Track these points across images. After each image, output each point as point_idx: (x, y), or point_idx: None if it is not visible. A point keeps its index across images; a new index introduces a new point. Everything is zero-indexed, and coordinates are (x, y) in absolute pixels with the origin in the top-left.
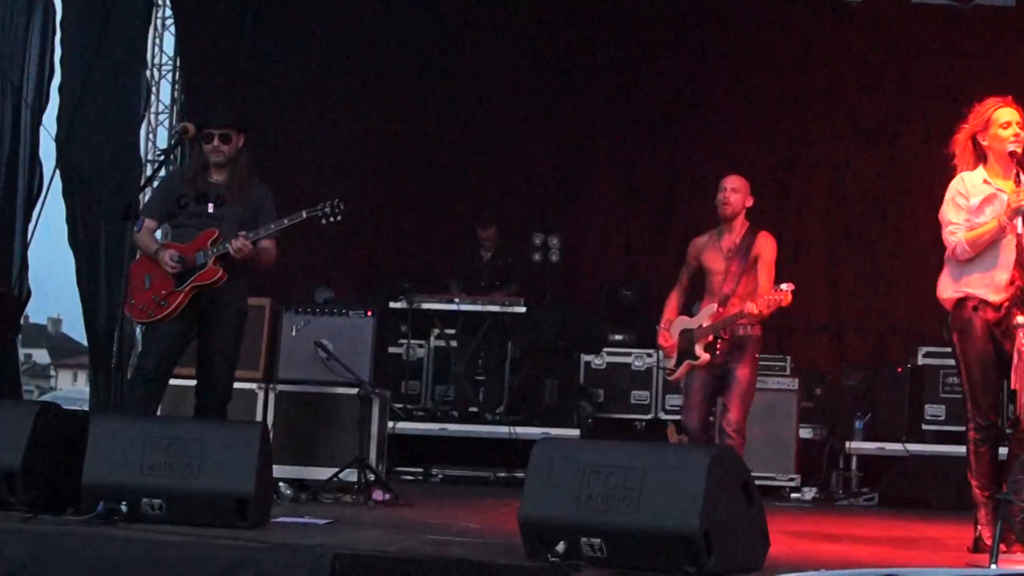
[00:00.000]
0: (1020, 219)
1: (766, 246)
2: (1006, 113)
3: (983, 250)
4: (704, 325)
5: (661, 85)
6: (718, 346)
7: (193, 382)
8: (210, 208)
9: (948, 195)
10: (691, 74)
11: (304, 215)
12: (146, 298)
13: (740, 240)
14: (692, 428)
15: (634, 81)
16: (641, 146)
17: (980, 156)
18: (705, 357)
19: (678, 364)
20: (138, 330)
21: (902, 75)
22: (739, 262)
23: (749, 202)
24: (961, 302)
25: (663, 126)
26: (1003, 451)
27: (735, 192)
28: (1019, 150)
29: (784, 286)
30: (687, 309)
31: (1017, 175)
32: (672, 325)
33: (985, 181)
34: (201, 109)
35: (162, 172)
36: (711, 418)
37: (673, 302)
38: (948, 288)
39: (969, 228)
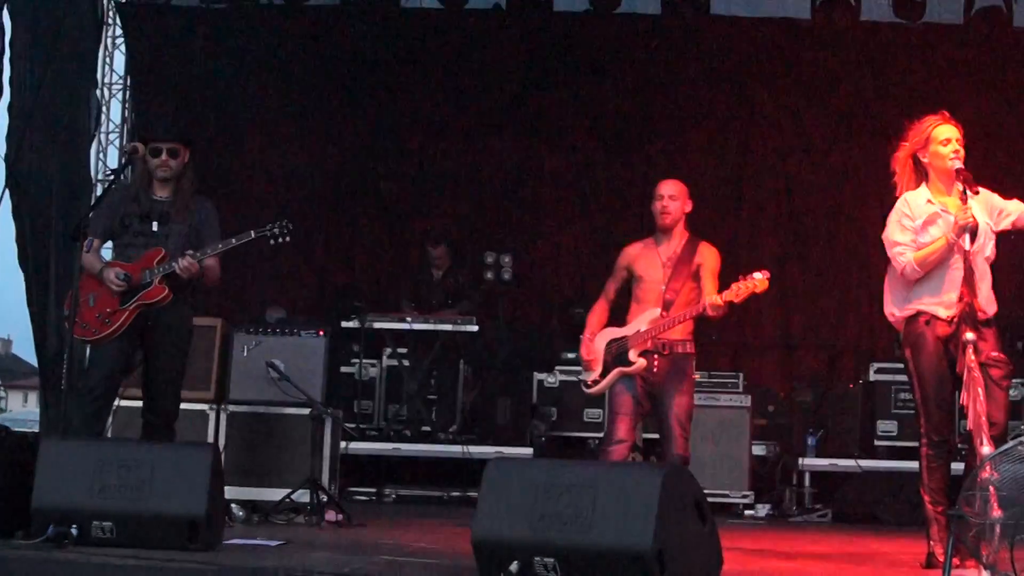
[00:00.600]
0: (967, 236)
1: (709, 255)
2: (945, 130)
3: (932, 269)
4: (643, 330)
5: (610, 103)
6: (655, 362)
7: (141, 403)
8: (154, 226)
9: (893, 216)
10: (640, 91)
11: (252, 235)
12: (90, 316)
13: (681, 249)
14: (621, 440)
15: (584, 99)
16: (592, 164)
17: (922, 174)
18: (641, 363)
19: (604, 374)
20: (87, 351)
21: (852, 92)
22: (681, 270)
23: (688, 207)
24: (913, 318)
25: (613, 144)
26: (957, 466)
27: (673, 200)
28: (962, 166)
29: (758, 274)
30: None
31: (963, 192)
32: (597, 337)
33: (929, 200)
34: (148, 124)
35: (106, 193)
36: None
37: (599, 314)
38: (898, 305)
39: (916, 248)
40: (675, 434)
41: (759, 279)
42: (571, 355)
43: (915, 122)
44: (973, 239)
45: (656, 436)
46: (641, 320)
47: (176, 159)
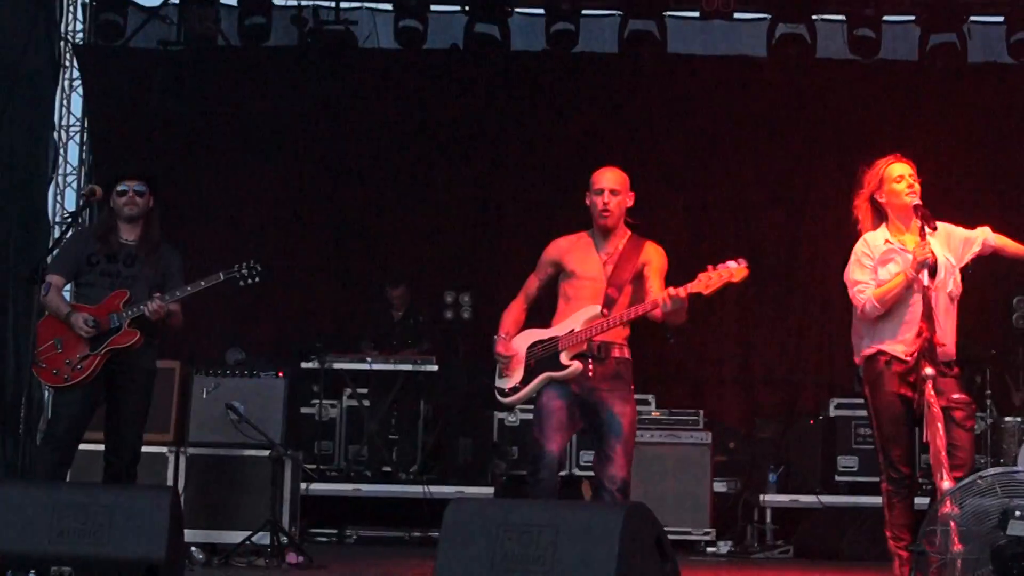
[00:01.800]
0: (926, 272)
1: (655, 254)
2: (898, 168)
3: (892, 306)
4: (578, 330)
5: (568, 140)
6: (591, 366)
7: (102, 446)
8: (121, 267)
9: (852, 256)
10: (598, 128)
11: (221, 277)
12: (59, 362)
13: (624, 246)
14: (552, 457)
15: (542, 137)
16: (550, 202)
17: (880, 215)
18: (575, 366)
19: (526, 381)
20: (47, 394)
21: (809, 129)
22: (625, 266)
23: (630, 201)
24: (873, 357)
25: (571, 181)
26: (922, 501)
27: (615, 195)
28: (920, 203)
29: (732, 262)
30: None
31: (921, 228)
32: (516, 338)
33: (887, 240)
34: (115, 164)
35: (69, 234)
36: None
37: (515, 312)
38: (860, 344)
39: (877, 285)
40: (616, 451)
41: (735, 267)
42: None
43: (868, 166)
44: (933, 275)
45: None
46: (575, 319)
47: (142, 198)
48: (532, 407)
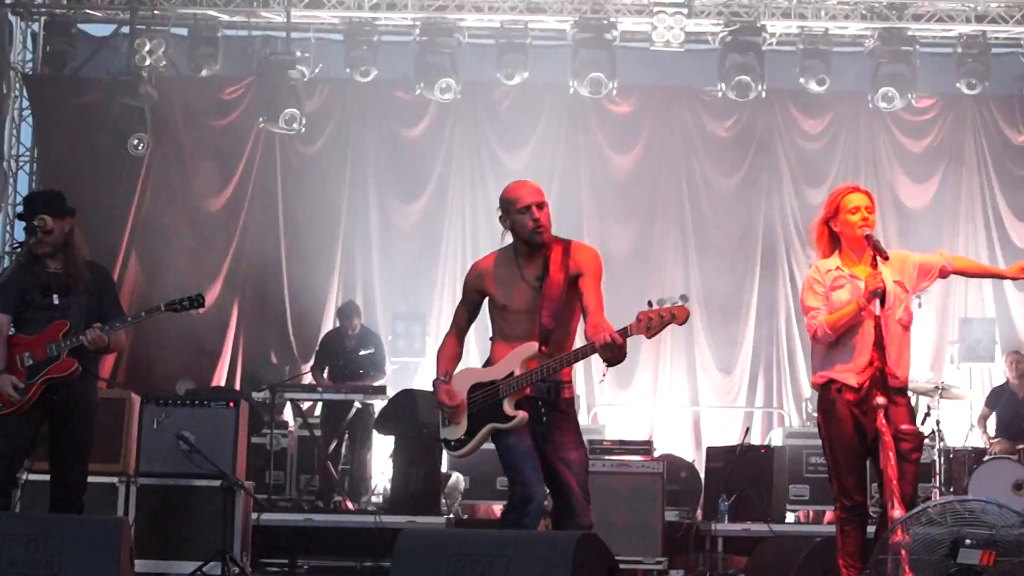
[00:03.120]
0: (877, 301)
1: (586, 258)
2: (855, 198)
3: (844, 334)
4: (518, 373)
5: (517, 171)
6: (541, 410)
7: (48, 477)
8: (55, 299)
9: (804, 284)
10: (545, 157)
11: (162, 309)
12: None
13: (550, 260)
14: (542, 498)
15: (491, 167)
16: (497, 231)
17: (835, 243)
18: (521, 416)
19: (472, 432)
20: None
21: (762, 159)
22: (556, 287)
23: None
24: (826, 385)
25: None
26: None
27: (542, 208)
28: (871, 233)
29: (673, 301)
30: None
31: (873, 258)
32: (454, 380)
33: (838, 267)
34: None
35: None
36: None
37: (451, 348)
38: (814, 371)
39: (829, 311)
40: (579, 499)
41: (677, 308)
42: None
43: (832, 192)
44: (883, 303)
45: None
46: (512, 360)
47: (51, 234)
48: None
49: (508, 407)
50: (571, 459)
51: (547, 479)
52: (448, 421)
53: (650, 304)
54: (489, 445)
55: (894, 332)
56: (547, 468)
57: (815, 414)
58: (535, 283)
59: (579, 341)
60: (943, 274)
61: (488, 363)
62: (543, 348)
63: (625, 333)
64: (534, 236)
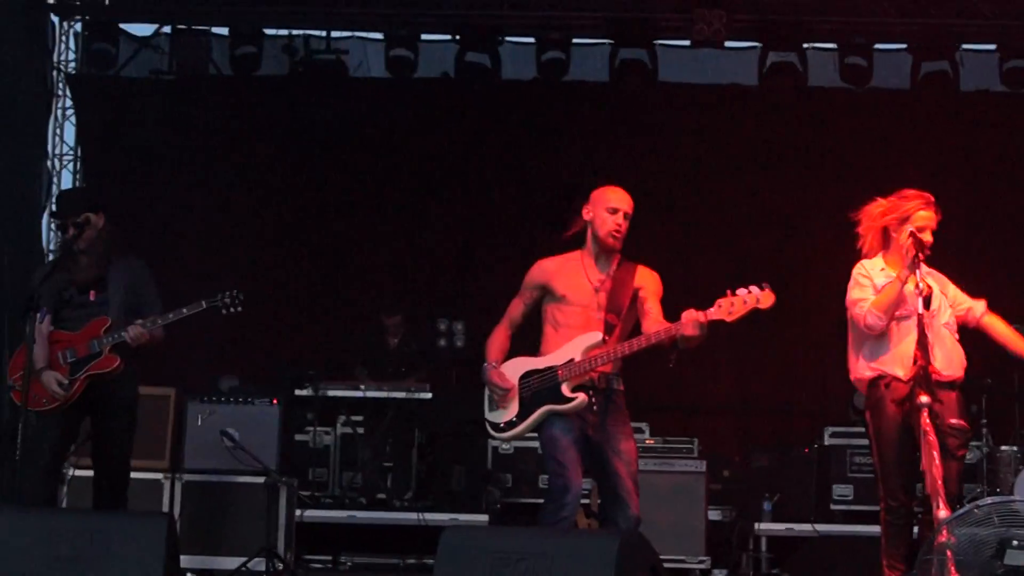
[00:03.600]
0: (921, 299)
1: (650, 279)
2: (926, 216)
3: (888, 332)
4: (578, 359)
5: (558, 168)
6: (593, 400)
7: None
8: (92, 296)
9: (852, 280)
10: (588, 157)
11: (204, 305)
12: (38, 386)
13: (615, 270)
14: (578, 492)
15: (532, 165)
16: (540, 230)
17: (884, 244)
18: (580, 399)
19: (523, 415)
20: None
21: (799, 157)
22: (621, 291)
23: None
24: (875, 381)
25: (563, 210)
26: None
27: (627, 219)
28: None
29: (756, 287)
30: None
31: (914, 256)
32: (504, 367)
33: (883, 269)
34: (107, 192)
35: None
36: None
37: (501, 340)
38: (863, 368)
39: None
40: (629, 491)
41: (760, 293)
42: None
43: (902, 192)
44: (928, 305)
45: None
46: (573, 347)
47: (85, 232)
48: (536, 439)
49: (567, 390)
50: (622, 449)
51: (597, 469)
52: (496, 405)
53: (730, 292)
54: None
55: (941, 335)
56: (597, 458)
57: (854, 415)
58: (597, 284)
59: None
60: (965, 322)
61: (539, 353)
62: (606, 338)
63: (706, 317)
64: (607, 236)
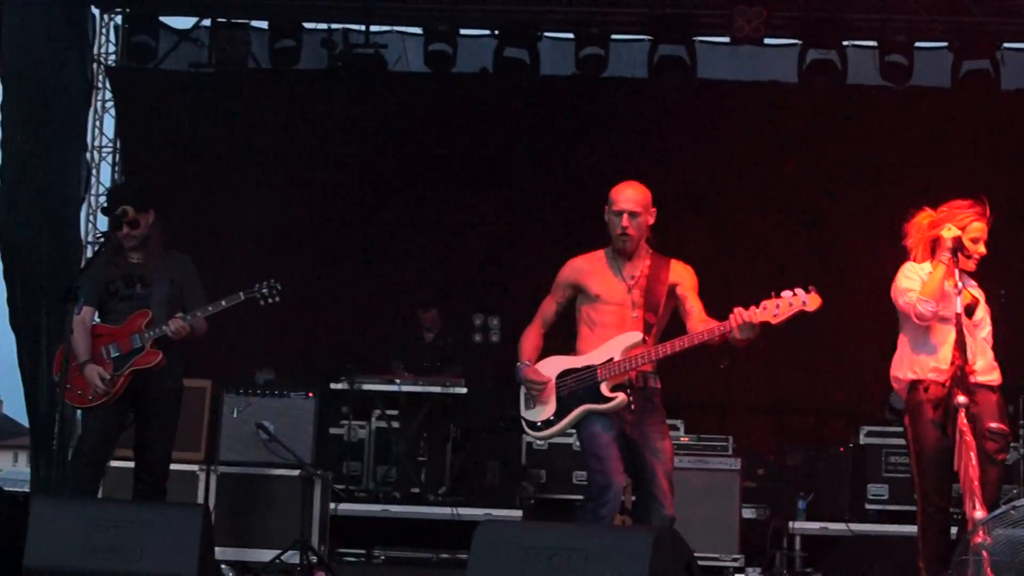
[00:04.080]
0: (959, 299)
1: (685, 274)
2: (979, 227)
3: (928, 333)
4: (618, 359)
5: (597, 165)
6: (631, 399)
7: (132, 463)
8: (138, 289)
9: (898, 276)
10: (627, 153)
11: (242, 296)
12: (81, 381)
13: (648, 267)
14: (619, 490)
15: (571, 162)
16: (578, 226)
17: (932, 252)
18: (621, 398)
19: (561, 414)
20: (78, 412)
21: (838, 156)
22: (656, 289)
23: (652, 219)
24: (914, 385)
25: (600, 206)
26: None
27: (635, 217)
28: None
29: (801, 290)
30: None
31: (953, 256)
32: (540, 365)
33: (930, 274)
34: (146, 184)
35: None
36: None
37: (534, 339)
38: (903, 370)
39: None
40: (664, 491)
41: (807, 296)
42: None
43: (953, 203)
44: (971, 314)
45: None
46: (612, 347)
47: (138, 227)
48: (570, 435)
49: (606, 389)
50: (658, 448)
51: (632, 468)
52: (532, 403)
53: (775, 294)
54: (559, 438)
55: (982, 345)
56: (633, 456)
57: (889, 415)
58: (630, 282)
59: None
60: None
61: (574, 352)
62: (646, 338)
63: (751, 318)
64: (618, 240)
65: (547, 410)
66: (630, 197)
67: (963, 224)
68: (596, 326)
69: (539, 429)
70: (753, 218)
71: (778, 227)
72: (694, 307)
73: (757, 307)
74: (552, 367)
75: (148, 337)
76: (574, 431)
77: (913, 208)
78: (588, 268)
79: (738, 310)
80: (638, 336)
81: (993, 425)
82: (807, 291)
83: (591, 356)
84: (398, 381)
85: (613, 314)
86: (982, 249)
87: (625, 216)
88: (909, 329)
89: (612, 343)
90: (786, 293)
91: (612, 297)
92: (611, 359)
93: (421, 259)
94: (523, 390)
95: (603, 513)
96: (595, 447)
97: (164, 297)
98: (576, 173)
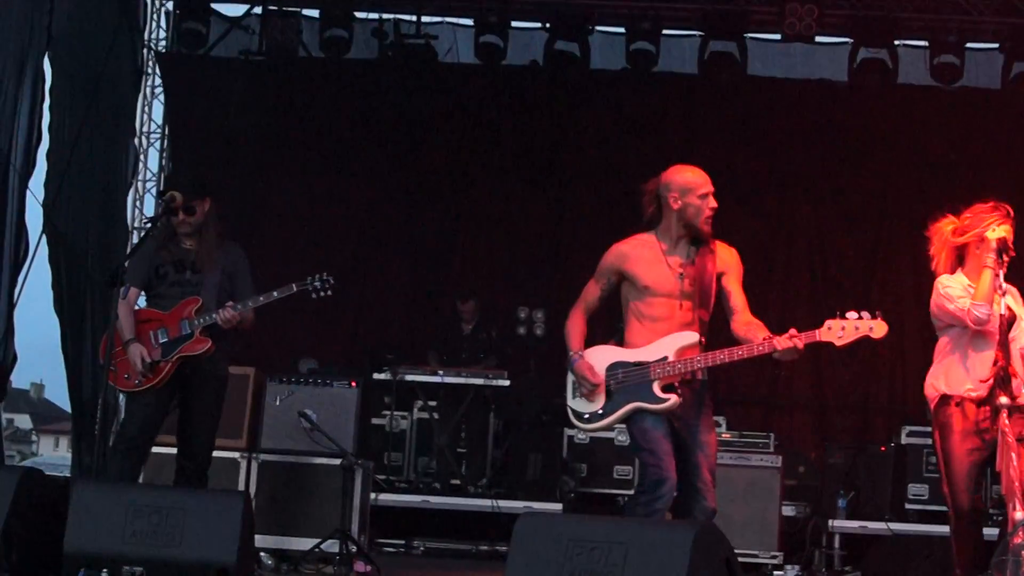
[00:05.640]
0: (1003, 301)
1: (731, 259)
2: (1004, 231)
3: (967, 349)
4: (672, 358)
5: (645, 161)
6: (680, 394)
7: (174, 450)
8: (188, 275)
9: (939, 289)
10: (676, 149)
11: (294, 288)
12: (126, 364)
13: (696, 253)
14: (674, 485)
15: (618, 157)
16: (625, 220)
17: (960, 261)
18: (673, 400)
19: (610, 409)
20: (121, 397)
21: (887, 155)
22: (707, 281)
23: None
24: (945, 399)
25: (643, 201)
26: (992, 531)
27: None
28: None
29: (867, 313)
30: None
31: (997, 257)
32: (589, 355)
33: (970, 286)
34: (194, 171)
35: (137, 242)
36: None
37: (580, 326)
38: (932, 385)
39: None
40: (707, 483)
41: (874, 323)
42: None
43: (974, 207)
44: (1010, 328)
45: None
46: (667, 345)
47: (194, 215)
48: (612, 429)
49: (658, 389)
50: (704, 441)
51: (677, 460)
52: (579, 393)
53: (841, 314)
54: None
55: (1016, 361)
56: (677, 449)
57: (930, 417)
58: (680, 270)
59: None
60: None
61: (622, 342)
62: (702, 340)
63: (811, 339)
64: (706, 223)
65: (596, 403)
66: (708, 179)
67: (983, 236)
68: (646, 319)
69: (587, 421)
70: (801, 216)
71: (826, 225)
72: (738, 304)
73: (822, 326)
74: (602, 357)
75: (198, 324)
76: (621, 425)
77: (937, 213)
78: (635, 255)
79: (790, 335)
80: (695, 337)
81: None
82: (873, 316)
83: (644, 352)
84: (441, 372)
85: (663, 306)
86: (1010, 253)
87: (711, 197)
88: (949, 342)
89: (667, 341)
90: (851, 315)
91: (662, 287)
92: (665, 358)
93: (467, 251)
94: (570, 378)
95: (657, 507)
96: (649, 442)
97: (215, 285)
98: (623, 168)
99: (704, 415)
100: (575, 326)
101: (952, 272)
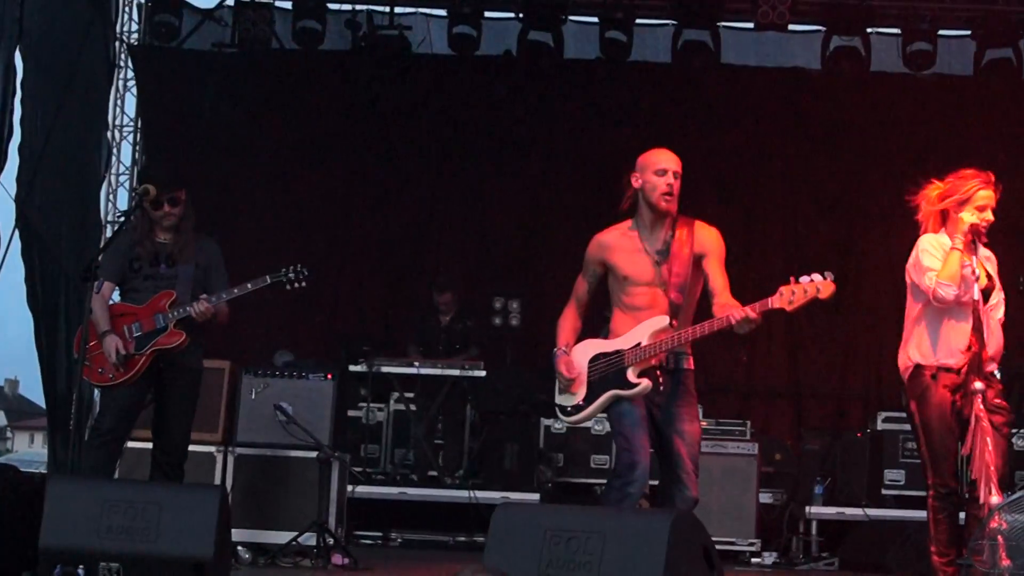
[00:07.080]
0: (976, 286)
1: (711, 239)
2: (986, 195)
3: (942, 320)
4: (644, 344)
5: (619, 150)
6: (659, 380)
7: (149, 444)
8: (162, 268)
9: (919, 248)
10: (650, 138)
11: (268, 280)
12: (104, 361)
13: (674, 236)
14: (647, 469)
15: (592, 146)
16: (600, 210)
17: (944, 224)
18: (645, 384)
19: (590, 399)
20: (96, 392)
21: (860, 142)
22: (681, 264)
23: None
24: (918, 369)
25: (622, 190)
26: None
27: (678, 178)
28: (981, 241)
29: (818, 275)
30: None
31: (972, 243)
32: (575, 351)
33: (953, 249)
34: (146, 176)
35: (110, 236)
36: None
37: (571, 321)
38: (907, 355)
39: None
40: (688, 471)
41: (821, 282)
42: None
43: (960, 172)
44: (987, 299)
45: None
46: (640, 331)
47: (177, 207)
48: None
49: (632, 375)
50: (686, 430)
51: (658, 449)
52: (564, 388)
53: (794, 279)
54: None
55: (993, 328)
56: (660, 438)
57: (905, 401)
58: (657, 257)
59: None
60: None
61: (608, 333)
62: (673, 322)
63: (764, 307)
64: (662, 199)
65: (578, 395)
66: (671, 158)
67: (969, 193)
68: (627, 308)
69: (569, 414)
70: (775, 204)
71: (799, 213)
72: (717, 285)
73: (774, 294)
74: (586, 351)
75: (172, 317)
76: (603, 415)
77: (922, 180)
78: (615, 244)
79: (739, 311)
80: (665, 321)
81: (996, 400)
82: (823, 276)
83: (621, 340)
84: (416, 364)
85: (644, 294)
86: (990, 216)
87: (670, 174)
88: (922, 311)
89: (641, 327)
90: (804, 279)
91: (641, 276)
92: (639, 344)
93: (442, 242)
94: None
95: (630, 491)
96: (622, 426)
97: (190, 279)
98: (597, 157)
99: (685, 403)
100: (565, 322)
101: (937, 231)
